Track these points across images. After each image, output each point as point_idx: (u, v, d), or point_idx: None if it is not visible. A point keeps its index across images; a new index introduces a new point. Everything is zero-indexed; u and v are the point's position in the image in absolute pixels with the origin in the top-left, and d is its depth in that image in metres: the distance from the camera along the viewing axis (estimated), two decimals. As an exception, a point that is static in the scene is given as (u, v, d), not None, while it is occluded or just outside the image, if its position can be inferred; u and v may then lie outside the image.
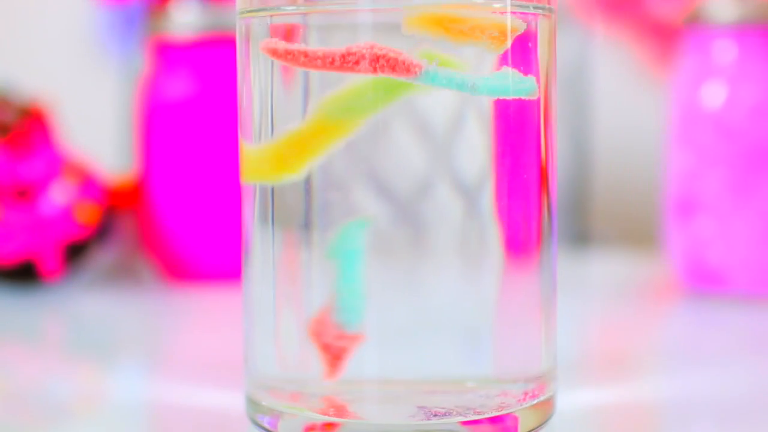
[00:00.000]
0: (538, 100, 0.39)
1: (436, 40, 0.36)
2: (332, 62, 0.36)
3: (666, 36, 0.84)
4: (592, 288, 0.71)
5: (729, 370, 0.48)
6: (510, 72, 0.37)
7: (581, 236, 0.87)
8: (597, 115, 0.89)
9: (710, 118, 0.61)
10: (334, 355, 0.37)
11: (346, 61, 0.36)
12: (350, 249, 0.37)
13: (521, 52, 0.38)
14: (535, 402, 0.39)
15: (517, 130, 0.38)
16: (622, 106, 0.90)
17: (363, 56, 0.36)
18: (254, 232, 0.40)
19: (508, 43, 0.37)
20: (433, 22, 0.36)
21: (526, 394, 0.39)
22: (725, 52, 0.62)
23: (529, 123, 0.39)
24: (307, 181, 0.38)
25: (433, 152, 0.37)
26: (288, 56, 0.37)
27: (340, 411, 0.38)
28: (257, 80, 0.39)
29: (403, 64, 0.36)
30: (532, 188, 0.39)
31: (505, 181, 0.38)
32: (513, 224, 0.38)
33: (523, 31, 0.37)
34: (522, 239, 0.39)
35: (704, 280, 0.62)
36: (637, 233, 0.84)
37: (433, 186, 0.37)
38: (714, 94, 0.61)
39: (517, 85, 0.38)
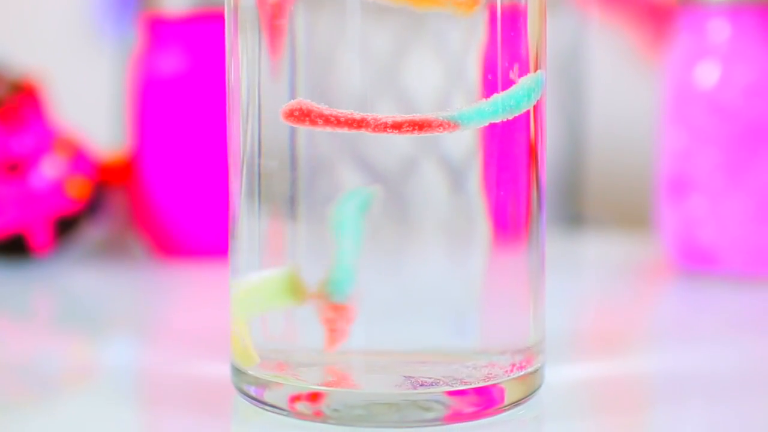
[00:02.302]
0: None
1: (399, 8, 0.36)
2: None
3: (660, 17, 0.84)
4: (585, 268, 0.72)
5: (719, 349, 0.48)
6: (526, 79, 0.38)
7: (576, 218, 0.87)
8: (591, 99, 0.89)
9: (704, 98, 0.61)
10: (330, 328, 0.37)
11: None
12: (353, 218, 0.37)
13: (510, 29, 0.38)
14: (522, 374, 0.39)
15: None
16: (617, 89, 0.90)
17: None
18: (240, 206, 0.40)
19: (477, 8, 0.37)
20: None
21: (513, 365, 0.39)
22: (719, 31, 0.61)
23: None
24: (293, 159, 0.38)
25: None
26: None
27: (326, 380, 0.38)
28: (245, 53, 0.39)
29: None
30: (520, 166, 0.39)
31: (492, 159, 0.38)
32: (500, 202, 0.38)
33: None
34: (510, 216, 0.39)
35: (696, 260, 0.62)
36: (631, 215, 0.84)
37: (419, 164, 0.37)
38: (708, 74, 0.61)
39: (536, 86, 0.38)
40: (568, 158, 0.86)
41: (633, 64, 0.88)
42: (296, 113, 0.37)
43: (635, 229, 0.78)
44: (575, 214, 0.87)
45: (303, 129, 0.37)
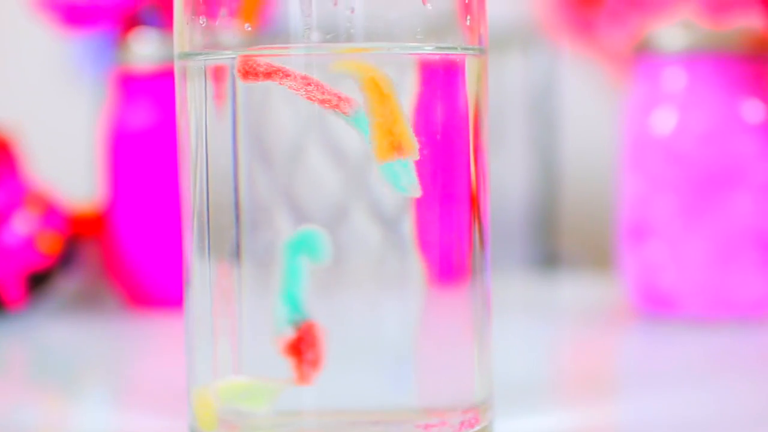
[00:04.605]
0: (467, 130, 0.39)
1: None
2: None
3: (620, 62, 0.85)
4: (549, 310, 0.72)
5: (680, 393, 0.49)
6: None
7: (550, 257, 0.88)
8: (565, 135, 0.89)
9: (660, 145, 0.62)
10: (298, 361, 0.38)
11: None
12: (292, 255, 0.38)
13: (448, 87, 0.39)
14: (470, 432, 0.40)
15: (443, 163, 0.39)
16: (590, 126, 0.91)
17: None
18: (193, 262, 0.41)
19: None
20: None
21: (462, 423, 0.39)
22: (674, 79, 0.62)
23: (457, 155, 0.39)
24: (236, 208, 0.39)
25: (348, 178, 0.38)
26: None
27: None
28: (193, 113, 0.40)
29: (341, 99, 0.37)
30: (460, 218, 0.39)
31: (427, 211, 0.39)
32: (437, 253, 0.39)
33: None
34: (448, 268, 0.39)
35: (656, 304, 0.63)
36: (605, 255, 0.84)
37: (350, 213, 0.38)
38: (664, 121, 0.62)
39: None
40: (541, 196, 0.87)
41: (607, 100, 0.89)
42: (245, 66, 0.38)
43: (607, 270, 0.79)
44: (549, 253, 0.87)
45: (245, 180, 0.38)
